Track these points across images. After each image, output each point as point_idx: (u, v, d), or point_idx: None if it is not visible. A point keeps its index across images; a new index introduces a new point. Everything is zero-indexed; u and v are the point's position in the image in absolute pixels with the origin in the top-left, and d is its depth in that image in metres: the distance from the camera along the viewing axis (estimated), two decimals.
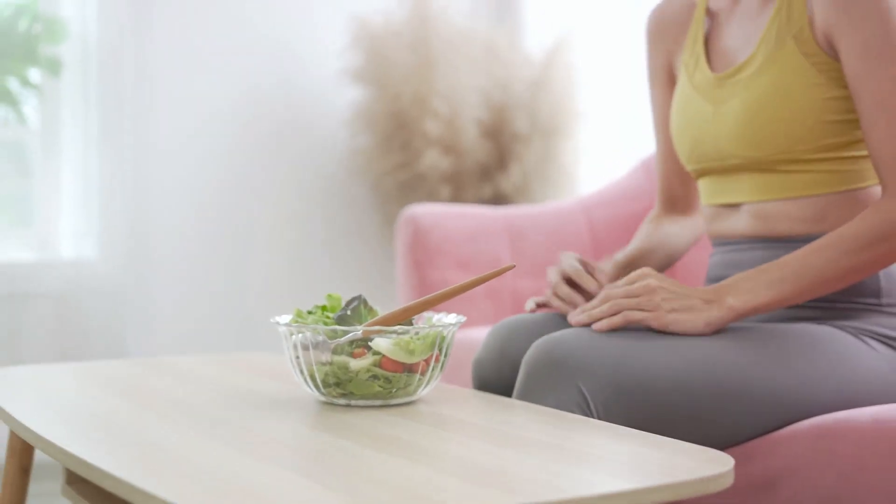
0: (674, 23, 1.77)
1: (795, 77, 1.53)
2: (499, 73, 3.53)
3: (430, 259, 2.33)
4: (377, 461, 1.08)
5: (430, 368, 1.36)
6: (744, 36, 1.63)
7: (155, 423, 1.29)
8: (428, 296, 1.44)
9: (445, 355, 1.37)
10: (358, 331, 1.33)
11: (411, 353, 1.34)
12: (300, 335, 1.35)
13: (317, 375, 1.35)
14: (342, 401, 1.36)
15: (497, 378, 1.60)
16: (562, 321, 1.63)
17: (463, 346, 2.22)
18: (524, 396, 1.43)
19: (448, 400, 1.42)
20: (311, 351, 1.34)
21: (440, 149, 3.44)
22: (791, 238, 1.59)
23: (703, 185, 1.70)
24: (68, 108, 3.45)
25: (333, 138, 3.72)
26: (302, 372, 1.37)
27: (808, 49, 1.53)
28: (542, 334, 1.59)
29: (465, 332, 2.28)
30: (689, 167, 1.69)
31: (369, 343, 1.33)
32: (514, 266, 1.49)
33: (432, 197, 3.48)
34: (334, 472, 1.03)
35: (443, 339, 1.37)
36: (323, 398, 1.38)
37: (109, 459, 1.11)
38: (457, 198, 3.50)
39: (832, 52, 1.52)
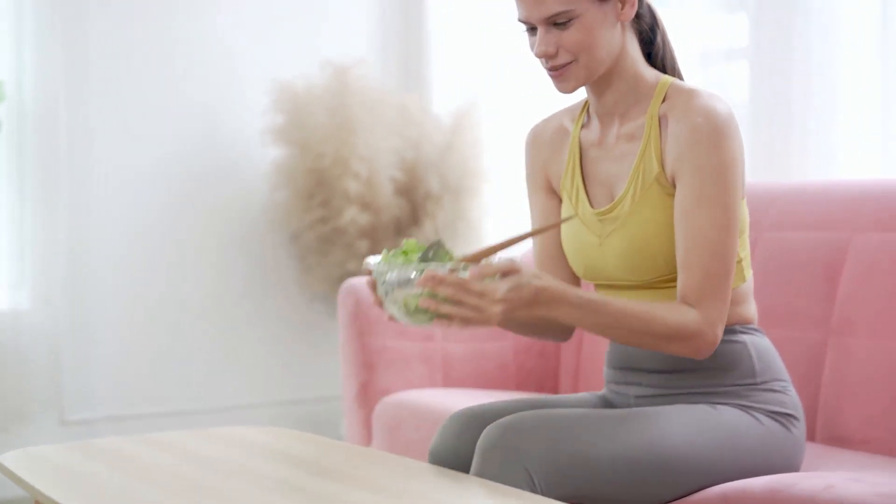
0: (550, 142, 2.01)
1: (664, 215, 1.83)
2: (411, 134, 3.82)
3: (371, 328, 2.59)
4: None
5: None
6: (613, 174, 1.89)
7: (155, 494, 1.54)
8: (494, 244, 1.70)
9: None
10: (446, 266, 1.63)
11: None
12: (394, 273, 1.65)
13: (409, 304, 1.65)
14: (427, 322, 1.65)
15: (454, 464, 1.87)
16: (509, 408, 1.91)
17: (399, 405, 2.50)
18: (480, 476, 1.71)
19: (413, 477, 1.69)
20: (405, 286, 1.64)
21: (359, 206, 3.71)
22: None
23: (600, 290, 1.98)
24: (3, 164, 3.63)
25: (257, 195, 3.95)
26: (395, 302, 1.66)
27: (669, 191, 1.83)
28: (492, 422, 1.87)
29: (399, 395, 2.54)
30: (584, 280, 1.98)
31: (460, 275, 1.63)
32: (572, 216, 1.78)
33: (350, 249, 3.75)
34: None
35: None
36: (412, 323, 1.68)
37: None
38: (373, 251, 3.78)
39: None
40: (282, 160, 3.82)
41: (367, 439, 2.62)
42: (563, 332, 1.99)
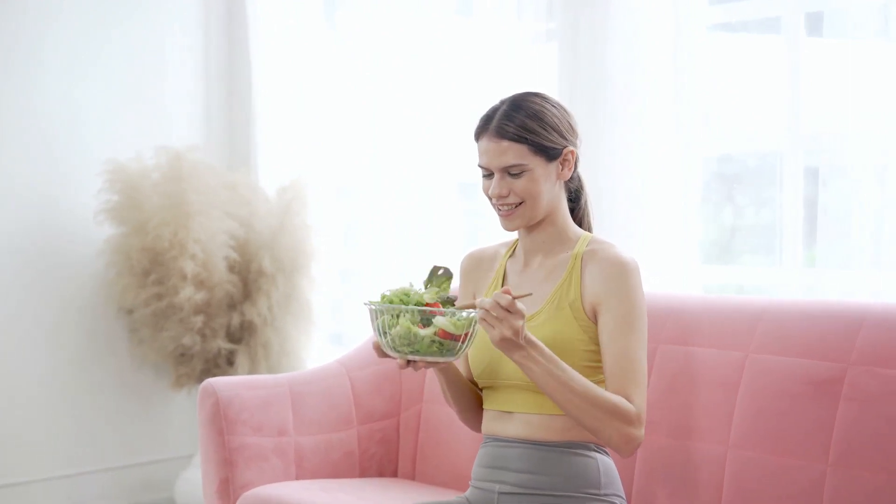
0: (480, 266, 2.43)
1: (567, 332, 2.22)
2: (242, 213, 4.03)
3: (231, 427, 2.80)
4: None
5: (468, 340, 2.09)
6: (531, 296, 2.25)
7: None
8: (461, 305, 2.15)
9: (474, 334, 2.09)
10: (421, 307, 2.09)
11: (458, 328, 2.06)
12: (385, 317, 2.07)
13: (398, 340, 2.07)
14: (411, 356, 2.08)
15: None
16: None
17: (257, 500, 2.72)
18: None
19: None
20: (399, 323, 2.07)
21: (195, 285, 3.90)
22: (548, 442, 2.22)
23: (486, 394, 2.32)
24: None
25: (90, 271, 4.09)
26: (385, 335, 2.08)
27: (578, 315, 2.23)
28: None
29: (257, 490, 2.75)
30: (478, 381, 2.32)
31: (432, 320, 2.06)
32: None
33: (185, 324, 3.93)
34: None
35: (474, 322, 2.07)
36: (397, 356, 2.09)
37: None
38: (208, 325, 3.97)
39: (594, 319, 2.23)
40: (116, 238, 3.97)
41: None
42: (478, 412, 2.37)
